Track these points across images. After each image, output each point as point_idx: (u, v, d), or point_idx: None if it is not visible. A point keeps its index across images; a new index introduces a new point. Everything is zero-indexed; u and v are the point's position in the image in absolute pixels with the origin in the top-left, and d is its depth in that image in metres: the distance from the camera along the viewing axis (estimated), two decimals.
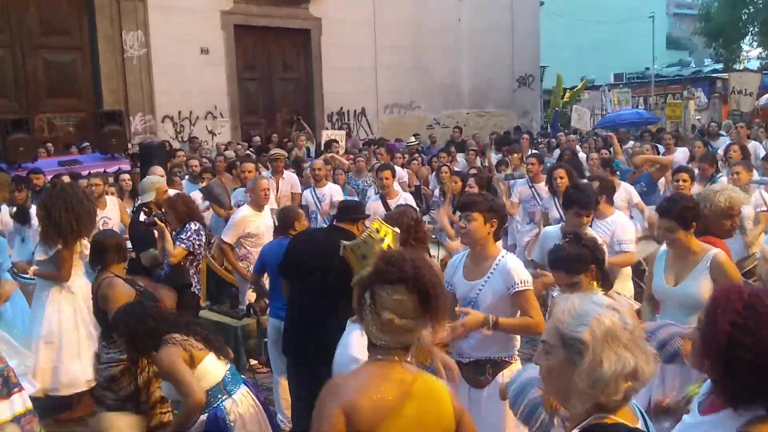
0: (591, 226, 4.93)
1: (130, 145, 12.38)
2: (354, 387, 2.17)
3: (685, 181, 6.48)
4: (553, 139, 14.85)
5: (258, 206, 6.75)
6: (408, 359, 2.26)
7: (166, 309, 4.54)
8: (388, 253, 2.29)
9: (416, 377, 2.20)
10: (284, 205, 7.18)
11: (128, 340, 3.68)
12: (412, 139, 14.10)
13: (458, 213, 3.95)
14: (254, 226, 6.66)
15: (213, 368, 3.68)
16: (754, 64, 32.64)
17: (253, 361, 6.55)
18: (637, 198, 7.32)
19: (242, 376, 6.10)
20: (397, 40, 18.46)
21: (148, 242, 6.09)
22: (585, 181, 6.28)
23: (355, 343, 2.92)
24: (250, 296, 6.37)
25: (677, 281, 3.93)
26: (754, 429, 1.84)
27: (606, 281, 3.48)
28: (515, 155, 10.05)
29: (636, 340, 1.77)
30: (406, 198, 7.61)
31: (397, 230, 3.17)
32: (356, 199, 8.33)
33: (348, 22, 17.63)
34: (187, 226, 6.04)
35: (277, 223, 6.09)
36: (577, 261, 3.43)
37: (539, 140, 15.88)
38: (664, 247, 4.18)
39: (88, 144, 12.72)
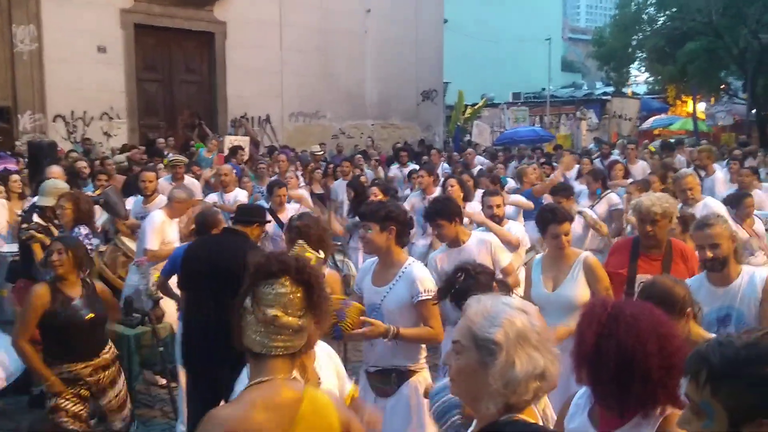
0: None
1: (17, 144, 11.71)
2: (233, 421, 1.95)
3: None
4: (455, 153, 15.18)
5: (173, 216, 6.54)
6: (290, 371, 2.09)
7: None
8: (267, 251, 2.17)
9: (302, 396, 2.05)
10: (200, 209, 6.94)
11: None
12: (317, 147, 14.06)
13: (359, 223, 3.96)
14: (168, 233, 6.42)
15: None
16: (642, 89, 34.70)
17: (155, 376, 6.32)
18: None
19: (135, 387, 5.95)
20: (303, 45, 18.38)
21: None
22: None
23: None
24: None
25: (555, 286, 4.20)
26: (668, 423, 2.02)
27: (504, 289, 3.44)
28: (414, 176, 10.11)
29: (544, 342, 1.82)
30: (296, 209, 7.53)
31: (321, 255, 2.94)
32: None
33: (253, 25, 17.41)
34: (76, 229, 5.77)
35: (194, 227, 5.86)
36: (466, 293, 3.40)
37: (442, 154, 16.19)
38: (538, 256, 4.49)
39: None
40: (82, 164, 9.54)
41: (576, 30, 49.35)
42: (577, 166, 10.86)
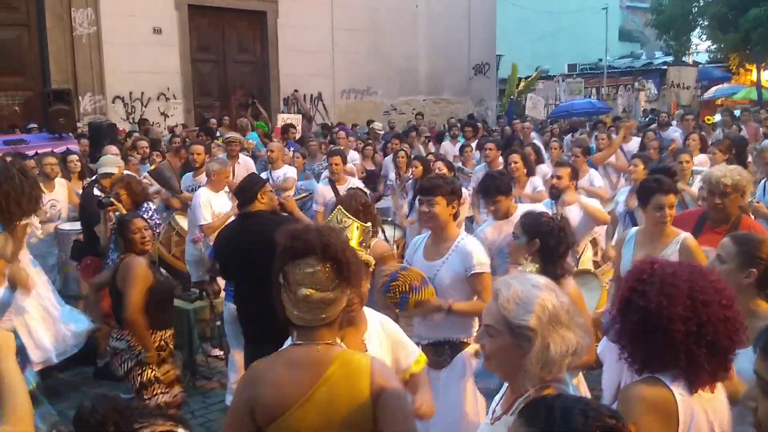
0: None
1: (79, 125, 12.03)
2: (263, 375, 2.11)
3: (636, 166, 6.61)
4: (507, 128, 14.96)
5: (216, 189, 6.69)
6: (332, 338, 2.13)
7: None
8: (291, 229, 2.13)
9: (334, 359, 2.08)
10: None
11: None
12: (379, 124, 14.04)
13: (419, 197, 3.93)
14: (216, 206, 6.58)
15: None
16: (703, 57, 33.45)
17: (212, 350, 6.48)
18: (599, 182, 7.40)
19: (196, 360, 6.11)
20: (354, 23, 18.34)
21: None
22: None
23: None
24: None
25: None
26: (632, 387, 2.00)
27: (547, 266, 3.34)
28: (467, 149, 10.06)
29: (573, 318, 1.89)
30: (355, 183, 7.57)
31: (368, 225, 2.87)
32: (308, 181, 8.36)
33: (304, 4, 17.43)
34: (144, 205, 5.94)
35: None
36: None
37: (494, 129, 15.99)
38: (633, 230, 4.31)
39: (35, 125, 12.30)
40: (143, 143, 9.77)
41: None
42: (638, 138, 10.57)
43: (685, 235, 4.01)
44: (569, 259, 3.72)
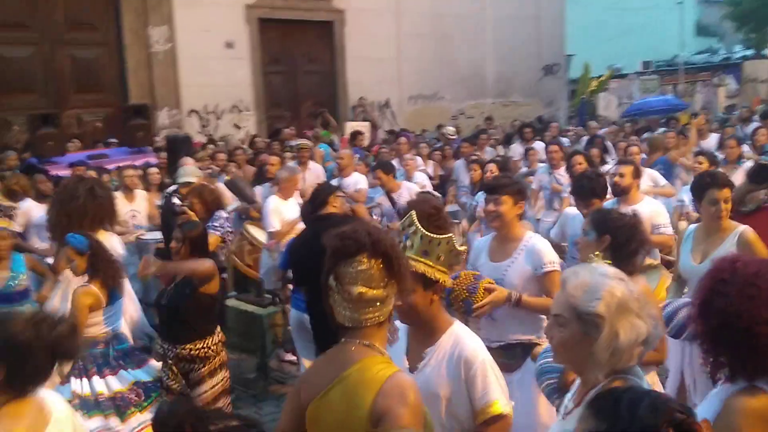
0: None
1: (156, 139, 12.48)
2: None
3: (701, 163, 6.45)
4: (581, 127, 14.67)
5: (285, 196, 6.82)
6: (379, 339, 2.10)
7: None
8: (339, 230, 2.11)
9: (358, 361, 2.05)
10: None
11: None
12: (451, 128, 14.02)
13: (486, 196, 3.89)
14: (286, 213, 6.70)
15: None
16: None
17: (285, 355, 6.59)
18: (663, 181, 7.18)
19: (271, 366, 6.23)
20: (420, 30, 18.36)
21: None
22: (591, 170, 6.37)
23: None
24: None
25: (704, 258, 3.94)
26: (735, 399, 1.88)
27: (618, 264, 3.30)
28: (531, 151, 9.99)
29: (644, 307, 1.84)
30: (409, 188, 7.57)
31: (442, 236, 2.57)
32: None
33: (371, 13, 17.57)
34: (216, 214, 6.11)
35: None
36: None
37: (568, 129, 15.71)
38: (692, 226, 4.23)
39: (115, 140, 12.82)
40: (221, 156, 10.04)
41: None
42: (717, 134, 10.20)
43: (743, 228, 3.98)
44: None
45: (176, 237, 4.66)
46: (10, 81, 13.88)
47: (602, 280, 1.86)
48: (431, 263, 2.47)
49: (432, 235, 2.51)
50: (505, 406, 2.42)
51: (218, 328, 4.76)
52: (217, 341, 4.68)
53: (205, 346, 4.58)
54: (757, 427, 1.83)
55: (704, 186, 4.08)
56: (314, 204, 4.83)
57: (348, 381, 2.04)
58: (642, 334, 1.81)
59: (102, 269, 4.52)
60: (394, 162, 8.60)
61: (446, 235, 2.52)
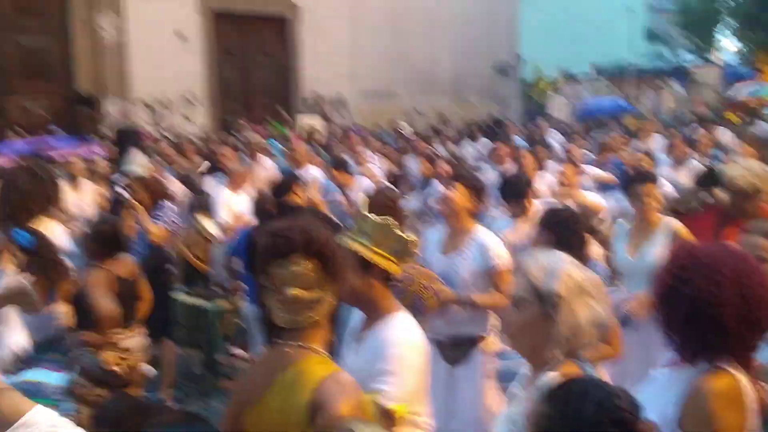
0: None
1: (103, 129, 12.20)
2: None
3: (645, 162, 6.67)
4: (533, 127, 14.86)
5: (236, 189, 6.74)
6: (316, 341, 2.01)
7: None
8: (271, 227, 2.02)
9: (293, 363, 1.96)
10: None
11: None
12: (404, 125, 14.07)
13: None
14: (235, 205, 6.62)
15: None
16: (729, 57, 32.96)
17: (235, 350, 6.50)
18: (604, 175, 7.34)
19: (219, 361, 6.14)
20: (375, 26, 18.36)
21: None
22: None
23: None
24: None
25: (637, 251, 4.07)
26: (704, 382, 1.92)
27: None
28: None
29: (599, 290, 1.92)
30: (361, 182, 7.58)
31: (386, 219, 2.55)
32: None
33: (326, 8, 17.49)
34: (161, 203, 5.99)
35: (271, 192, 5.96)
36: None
37: (520, 129, 15.90)
38: (622, 222, 4.42)
39: (58, 128, 12.45)
40: (168, 148, 9.87)
41: None
42: (660, 136, 10.46)
43: (674, 222, 4.18)
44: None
45: None
46: None
47: (560, 263, 1.94)
48: (367, 244, 2.41)
49: (371, 216, 2.46)
50: (389, 400, 2.24)
51: None
52: None
53: None
54: (728, 408, 1.88)
55: (631, 181, 4.29)
56: (278, 191, 4.79)
57: (283, 384, 1.95)
58: (599, 316, 1.88)
59: (45, 270, 4.36)
60: (346, 157, 8.58)
61: (385, 218, 2.45)
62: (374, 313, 2.48)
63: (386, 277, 2.47)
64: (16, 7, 14.09)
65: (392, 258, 2.46)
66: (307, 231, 1.99)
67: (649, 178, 4.28)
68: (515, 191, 4.86)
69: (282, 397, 1.94)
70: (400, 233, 2.46)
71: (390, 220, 2.47)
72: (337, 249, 2.06)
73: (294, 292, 1.95)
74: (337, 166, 7.60)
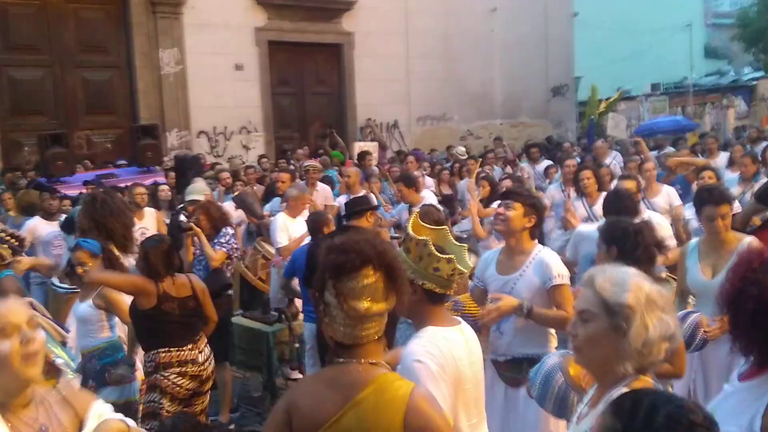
0: None
1: (165, 159, 12.54)
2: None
3: (710, 178, 6.44)
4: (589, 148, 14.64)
5: (294, 214, 6.82)
6: (377, 355, 2.02)
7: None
8: (338, 243, 2.02)
9: (370, 383, 1.95)
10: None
11: None
12: (462, 149, 14.04)
13: (500, 202, 3.89)
14: (293, 231, 6.69)
15: None
16: None
17: (291, 372, 6.53)
18: (677, 201, 7.14)
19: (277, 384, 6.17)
20: (429, 51, 18.43)
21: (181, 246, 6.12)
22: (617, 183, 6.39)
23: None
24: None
25: (715, 273, 3.91)
26: None
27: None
28: (552, 170, 10.04)
29: (669, 304, 1.88)
30: (428, 198, 7.59)
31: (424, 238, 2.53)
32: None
33: (379, 34, 17.68)
34: (223, 230, 6.11)
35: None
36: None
37: (575, 148, 15.68)
38: (693, 241, 4.22)
39: (125, 162, 12.89)
40: (225, 174, 10.08)
41: (719, 15, 46.29)
42: (727, 153, 10.15)
43: (749, 239, 4.00)
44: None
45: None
46: (21, 103, 14.05)
47: (629, 275, 1.90)
48: (408, 260, 2.44)
49: (412, 233, 2.49)
50: None
51: (169, 351, 4.57)
52: (152, 360, 4.57)
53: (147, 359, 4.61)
54: None
55: (702, 202, 4.10)
56: (349, 212, 4.82)
57: (364, 405, 1.92)
58: (669, 329, 1.83)
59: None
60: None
61: (423, 237, 2.47)
62: (416, 328, 2.52)
63: (428, 293, 2.46)
64: (81, 44, 14.66)
65: (432, 275, 2.45)
66: (375, 245, 2.01)
67: (722, 198, 4.08)
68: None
69: (364, 420, 1.91)
70: (434, 251, 2.44)
71: (425, 239, 2.47)
72: (400, 263, 2.09)
73: (366, 304, 1.95)
74: (407, 183, 7.60)
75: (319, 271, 2.00)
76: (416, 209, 7.18)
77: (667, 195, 7.04)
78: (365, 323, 1.96)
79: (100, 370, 4.56)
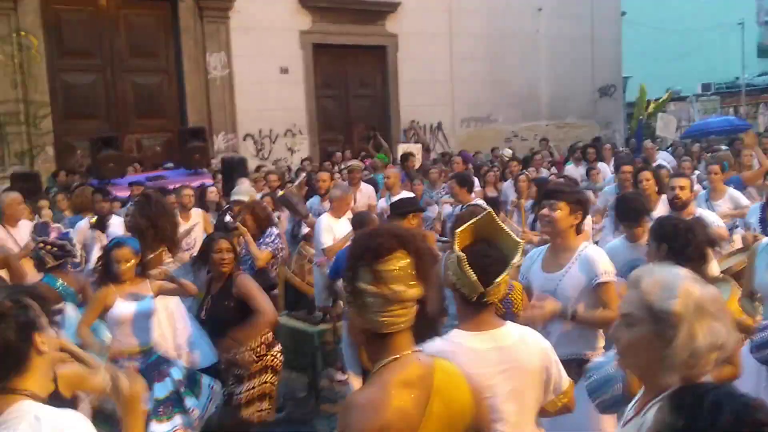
0: None
1: (213, 162, 12.73)
2: (373, 403, 1.88)
3: None
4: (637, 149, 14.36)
5: (338, 215, 6.83)
6: (411, 343, 2.01)
7: None
8: (368, 231, 2.03)
9: (434, 368, 1.98)
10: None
11: None
12: (509, 151, 13.94)
13: (543, 201, 3.81)
14: (338, 231, 6.71)
15: None
16: None
17: (337, 374, 6.54)
18: (745, 201, 6.92)
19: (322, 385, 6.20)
20: (473, 52, 18.33)
21: None
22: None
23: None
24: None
25: None
26: None
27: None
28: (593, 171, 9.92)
29: (722, 310, 1.71)
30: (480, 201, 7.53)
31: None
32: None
33: (423, 36, 17.65)
34: (268, 230, 6.16)
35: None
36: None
37: (623, 150, 15.40)
38: (765, 241, 4.02)
39: (172, 164, 13.13)
40: (273, 177, 10.17)
41: None
42: None
43: None
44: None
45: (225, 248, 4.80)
46: (74, 107, 14.40)
47: (679, 278, 1.75)
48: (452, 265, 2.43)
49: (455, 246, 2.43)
50: None
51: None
52: (262, 342, 4.76)
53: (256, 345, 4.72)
54: None
55: None
56: (394, 212, 4.84)
57: (442, 389, 1.97)
58: (720, 338, 1.68)
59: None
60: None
61: (461, 254, 2.37)
62: None
63: (462, 297, 2.42)
64: (132, 49, 14.97)
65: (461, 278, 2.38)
66: (403, 230, 2.03)
67: None
68: (631, 213, 4.64)
69: (446, 399, 1.98)
70: (467, 269, 2.36)
71: (464, 257, 2.38)
72: (430, 251, 2.10)
73: (400, 288, 1.94)
74: (461, 182, 7.56)
75: (351, 258, 1.99)
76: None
77: (729, 198, 6.86)
78: (401, 308, 1.95)
79: (155, 363, 4.61)
